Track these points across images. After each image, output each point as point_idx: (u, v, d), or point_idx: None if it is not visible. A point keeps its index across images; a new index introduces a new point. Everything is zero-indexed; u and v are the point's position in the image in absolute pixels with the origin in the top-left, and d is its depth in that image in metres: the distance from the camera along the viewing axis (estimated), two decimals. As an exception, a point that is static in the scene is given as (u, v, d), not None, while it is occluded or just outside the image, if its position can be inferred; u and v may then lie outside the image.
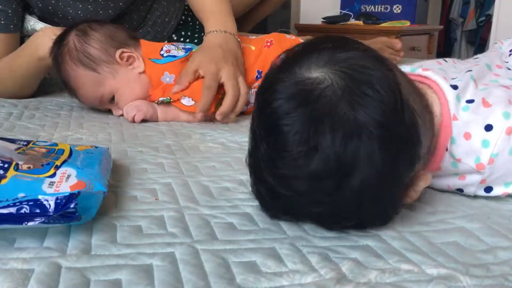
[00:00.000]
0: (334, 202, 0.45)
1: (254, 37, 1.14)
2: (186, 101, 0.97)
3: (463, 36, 3.78)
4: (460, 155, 0.57)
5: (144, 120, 0.98)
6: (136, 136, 0.86)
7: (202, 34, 1.36)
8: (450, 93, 0.58)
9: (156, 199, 0.56)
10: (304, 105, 0.44)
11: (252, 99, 1.08)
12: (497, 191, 0.57)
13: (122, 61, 0.99)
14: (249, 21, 1.66)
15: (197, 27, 1.42)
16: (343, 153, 0.43)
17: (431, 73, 0.61)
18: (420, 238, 0.48)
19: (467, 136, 0.56)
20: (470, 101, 0.58)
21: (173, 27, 1.40)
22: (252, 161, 0.50)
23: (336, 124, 0.43)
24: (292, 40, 1.12)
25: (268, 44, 1.10)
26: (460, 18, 3.69)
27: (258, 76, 1.08)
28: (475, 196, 0.58)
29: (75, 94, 1.02)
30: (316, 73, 0.45)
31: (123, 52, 0.99)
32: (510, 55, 0.77)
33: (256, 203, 0.56)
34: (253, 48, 1.08)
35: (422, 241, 0.47)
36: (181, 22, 1.43)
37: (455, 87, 0.59)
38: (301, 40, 1.11)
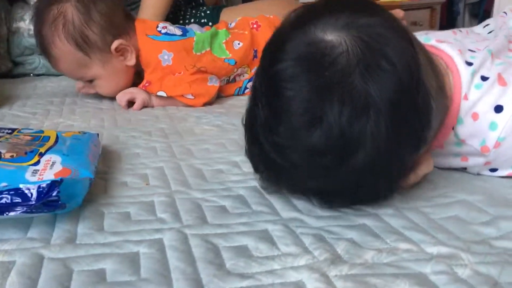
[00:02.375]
0: (331, 179, 0.43)
1: (233, 24, 1.11)
2: (189, 96, 0.96)
3: (466, 9, 3.70)
4: (464, 136, 0.53)
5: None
6: (129, 121, 0.84)
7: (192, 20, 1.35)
8: (464, 71, 0.54)
9: (147, 184, 0.54)
10: (314, 70, 0.40)
11: (250, 84, 1.07)
12: (502, 172, 0.55)
13: (116, 53, 0.96)
14: None
15: (188, 16, 1.40)
16: (349, 130, 0.39)
17: (447, 46, 0.56)
18: (419, 214, 0.46)
19: (475, 116, 0.53)
20: (484, 78, 0.54)
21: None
22: (249, 120, 0.47)
23: (345, 97, 0.39)
24: (271, 18, 1.10)
25: (255, 26, 1.07)
26: (463, -10, 3.61)
27: (255, 55, 1.05)
28: (478, 174, 0.56)
29: (50, 61, 0.98)
30: (332, 35, 0.41)
31: (120, 44, 0.95)
32: None
33: (249, 184, 0.54)
34: (246, 32, 1.06)
35: (422, 217, 0.45)
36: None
37: (470, 63, 0.54)
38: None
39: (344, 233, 0.42)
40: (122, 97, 0.96)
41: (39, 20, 0.94)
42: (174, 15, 1.33)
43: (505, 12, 0.77)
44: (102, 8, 0.94)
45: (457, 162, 0.56)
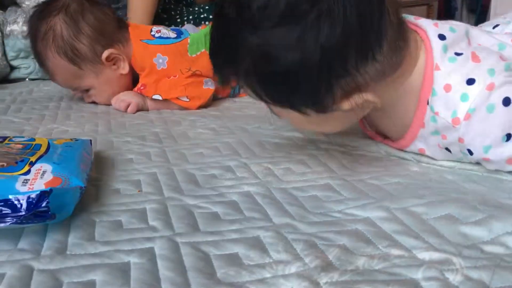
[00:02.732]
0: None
1: None
2: (184, 99, 0.95)
3: (463, 4, 3.69)
4: (438, 108, 0.54)
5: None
6: (123, 126, 0.84)
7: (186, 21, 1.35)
8: (435, 42, 0.55)
9: (139, 191, 0.54)
10: None
11: None
12: (476, 155, 0.54)
13: (107, 62, 0.97)
14: None
15: (178, 18, 1.40)
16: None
17: (422, 21, 0.58)
18: (411, 216, 0.46)
19: (448, 88, 0.54)
20: (458, 54, 0.55)
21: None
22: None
23: None
24: None
25: None
26: (460, -15, 3.60)
27: None
28: (471, 177, 0.56)
29: (48, 74, 1.00)
30: None
31: (110, 54, 0.96)
32: None
33: (243, 189, 0.54)
34: None
35: (413, 219, 0.45)
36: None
37: (442, 37, 0.56)
38: None
39: (336, 239, 0.42)
40: (119, 104, 0.96)
41: (32, 35, 0.96)
42: (168, 15, 1.34)
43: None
44: (90, 20, 0.95)
45: (439, 140, 0.57)
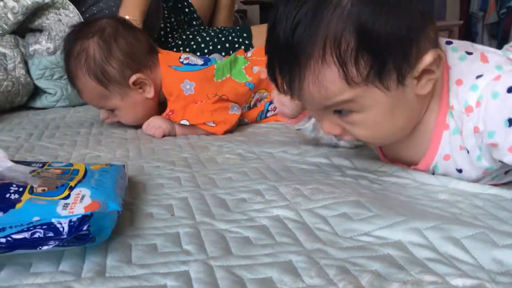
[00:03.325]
0: None
1: (250, 53, 1.15)
2: (211, 124, 0.98)
3: (484, 30, 3.69)
4: (452, 101, 0.57)
5: None
6: (153, 151, 0.86)
7: (192, 42, 1.40)
8: (445, 47, 0.60)
9: (171, 215, 0.56)
10: None
11: (271, 107, 1.08)
12: (485, 141, 0.55)
13: (134, 86, 1.01)
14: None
15: (187, 35, 1.47)
16: None
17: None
18: (441, 233, 0.46)
19: (459, 82, 0.57)
20: (469, 53, 0.59)
21: (153, 28, 1.44)
22: None
23: None
24: None
25: None
26: (481, 11, 3.61)
27: None
28: (500, 203, 0.56)
29: (76, 91, 1.05)
30: None
31: (138, 78, 1.00)
32: None
33: (272, 213, 0.55)
34: (263, 58, 1.08)
35: (445, 241, 0.45)
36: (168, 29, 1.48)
37: (449, 42, 0.61)
38: None
39: (368, 265, 0.43)
40: (154, 131, 0.99)
41: (66, 52, 1.01)
42: (180, 38, 1.41)
43: None
44: (122, 44, 0.99)
45: (459, 140, 0.59)
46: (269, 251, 0.46)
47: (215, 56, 1.13)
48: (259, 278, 0.41)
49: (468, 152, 0.59)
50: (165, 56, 1.05)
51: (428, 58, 0.53)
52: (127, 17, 1.13)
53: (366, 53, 0.50)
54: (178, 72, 1.03)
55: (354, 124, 0.57)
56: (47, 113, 1.26)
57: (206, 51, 1.46)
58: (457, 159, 0.61)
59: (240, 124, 1.05)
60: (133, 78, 0.99)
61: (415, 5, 0.52)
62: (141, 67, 1.01)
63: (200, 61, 1.06)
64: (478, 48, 0.61)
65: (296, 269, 0.42)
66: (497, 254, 0.43)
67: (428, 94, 0.57)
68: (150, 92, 1.02)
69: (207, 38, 1.48)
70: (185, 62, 1.05)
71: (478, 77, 0.56)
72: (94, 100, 1.03)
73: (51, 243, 0.42)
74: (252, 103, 1.08)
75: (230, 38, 1.48)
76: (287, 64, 0.53)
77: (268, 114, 1.09)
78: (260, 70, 1.05)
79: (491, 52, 0.60)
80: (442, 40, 0.61)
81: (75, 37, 1.00)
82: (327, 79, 0.52)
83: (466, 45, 0.62)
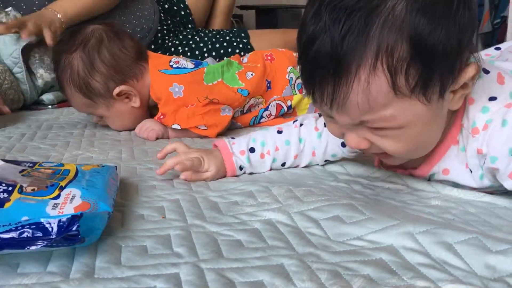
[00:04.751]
0: None
1: (245, 59, 1.14)
2: (203, 127, 0.97)
3: (479, 39, 3.72)
4: (463, 120, 0.57)
5: None
6: (146, 153, 0.86)
7: (191, 42, 1.42)
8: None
9: (163, 218, 0.55)
10: None
11: (266, 113, 1.08)
12: (487, 165, 0.55)
13: (119, 97, 1.01)
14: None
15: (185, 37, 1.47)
16: None
17: None
18: (434, 238, 0.46)
19: (471, 101, 0.57)
20: (486, 71, 0.58)
21: (149, 30, 1.44)
22: None
23: None
24: (284, 51, 1.14)
25: (269, 58, 1.11)
26: (475, 21, 3.63)
27: (268, 86, 1.07)
28: (493, 210, 0.56)
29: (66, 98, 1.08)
30: None
31: (121, 90, 1.00)
32: None
33: (264, 217, 0.54)
34: (258, 65, 1.09)
35: (438, 246, 0.45)
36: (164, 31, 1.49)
37: None
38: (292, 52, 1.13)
39: (360, 269, 0.42)
40: (147, 134, 0.98)
41: (54, 63, 1.05)
42: (177, 39, 1.42)
43: None
44: (106, 57, 1.00)
45: (464, 158, 0.58)
46: (260, 255, 0.45)
47: (208, 60, 1.13)
48: (250, 281, 0.41)
49: (471, 171, 0.58)
50: (155, 60, 1.05)
51: (471, 71, 0.52)
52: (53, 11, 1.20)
53: (418, 63, 0.49)
54: (167, 75, 1.02)
55: (388, 137, 0.53)
56: (41, 114, 1.25)
57: (204, 52, 1.46)
58: (458, 174, 0.60)
59: (232, 128, 1.05)
60: (117, 90, 1.00)
61: (464, 15, 0.50)
62: (126, 78, 1.01)
63: (190, 65, 1.06)
64: (496, 65, 0.60)
65: (287, 272, 0.42)
66: (490, 260, 0.42)
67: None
68: (136, 102, 1.03)
69: (205, 39, 1.48)
70: (174, 65, 1.05)
71: (491, 99, 0.55)
72: (82, 109, 1.06)
73: (39, 243, 0.42)
74: (246, 108, 1.08)
75: (227, 38, 1.48)
76: (332, 73, 0.50)
77: (262, 120, 1.09)
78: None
79: (508, 75, 0.58)
80: None
81: (60, 49, 1.02)
82: (376, 88, 0.49)
83: (485, 60, 0.58)
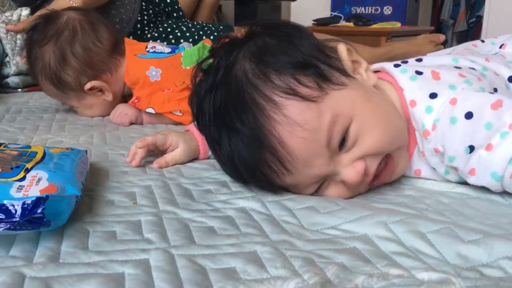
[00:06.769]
0: None
1: None
2: (178, 113, 0.95)
3: (454, 37, 3.78)
4: (413, 123, 0.58)
5: None
6: (118, 139, 0.84)
7: (171, 36, 1.39)
8: (395, 72, 0.60)
9: (134, 203, 0.54)
10: None
11: None
12: (446, 163, 0.56)
13: (91, 91, 1.00)
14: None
15: (165, 28, 1.43)
16: None
17: (383, 64, 0.63)
18: (407, 227, 0.46)
19: (413, 103, 0.57)
20: (419, 73, 0.59)
21: (128, 21, 1.41)
22: None
23: None
24: None
25: None
26: (451, 19, 3.69)
27: None
28: (465, 201, 0.56)
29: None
30: None
31: (92, 87, 0.99)
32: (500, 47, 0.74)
33: (238, 205, 0.53)
34: None
35: (411, 235, 0.45)
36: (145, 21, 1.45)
37: (397, 65, 0.62)
38: None
39: (334, 257, 0.42)
40: (121, 119, 0.96)
41: (26, 53, 1.02)
42: (157, 31, 1.37)
43: (482, 41, 0.79)
44: (79, 52, 0.97)
45: (425, 158, 0.59)
46: (233, 241, 0.44)
47: (184, 44, 1.11)
48: (222, 268, 0.40)
49: (434, 169, 0.59)
50: (131, 47, 1.03)
51: (341, 48, 0.57)
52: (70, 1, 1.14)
53: (301, 72, 0.52)
54: (144, 59, 1.00)
55: (359, 136, 0.52)
56: (9, 96, 1.20)
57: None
58: (426, 173, 0.61)
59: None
60: (88, 86, 0.99)
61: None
62: (99, 73, 1.00)
63: (167, 49, 1.04)
64: (427, 65, 0.62)
65: (260, 259, 0.41)
66: (462, 249, 0.42)
67: (385, 92, 0.59)
68: (108, 96, 1.02)
69: (187, 34, 1.44)
70: (151, 50, 1.03)
71: (432, 96, 0.56)
72: (54, 97, 1.05)
73: (2, 226, 0.40)
74: None
75: (211, 37, 1.44)
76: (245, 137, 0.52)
77: None
78: None
79: (442, 68, 0.59)
80: (390, 64, 0.62)
81: (33, 39, 0.99)
82: (295, 114, 0.50)
83: (415, 64, 0.62)
